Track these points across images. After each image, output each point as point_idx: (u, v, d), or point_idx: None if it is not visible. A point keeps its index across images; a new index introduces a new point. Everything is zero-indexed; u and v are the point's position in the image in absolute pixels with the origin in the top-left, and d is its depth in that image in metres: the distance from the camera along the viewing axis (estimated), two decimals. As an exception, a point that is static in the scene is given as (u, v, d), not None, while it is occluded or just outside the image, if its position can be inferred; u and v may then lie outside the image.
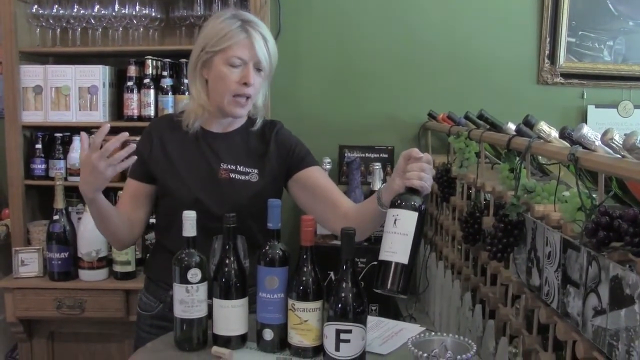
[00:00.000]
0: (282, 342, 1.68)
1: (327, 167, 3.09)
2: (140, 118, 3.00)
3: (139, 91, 3.01)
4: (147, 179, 1.99)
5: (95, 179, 1.72)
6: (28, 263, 2.97)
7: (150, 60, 3.01)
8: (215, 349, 1.67)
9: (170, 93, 3.01)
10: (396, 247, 1.53)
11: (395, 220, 1.54)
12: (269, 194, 1.87)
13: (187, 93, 2.99)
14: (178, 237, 1.73)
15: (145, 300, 2.07)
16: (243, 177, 1.97)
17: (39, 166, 3.04)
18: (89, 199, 1.80)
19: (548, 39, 3.29)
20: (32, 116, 3.03)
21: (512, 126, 2.13)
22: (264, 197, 1.79)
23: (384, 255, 1.55)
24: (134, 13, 3.02)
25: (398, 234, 1.53)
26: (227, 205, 1.86)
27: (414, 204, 1.55)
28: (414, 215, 1.54)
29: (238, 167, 1.97)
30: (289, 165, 2.01)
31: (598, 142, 1.48)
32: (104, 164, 1.69)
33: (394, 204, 1.57)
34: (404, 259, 1.53)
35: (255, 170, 1.98)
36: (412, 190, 1.60)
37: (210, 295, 1.70)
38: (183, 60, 3.02)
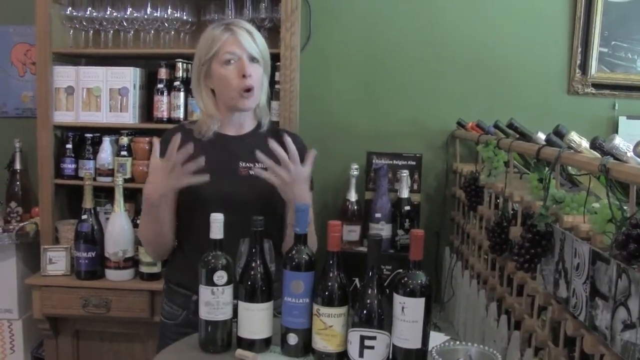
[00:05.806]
0: (306, 347, 1.68)
1: (355, 173, 3.08)
2: (170, 120, 3.02)
3: (169, 93, 3.03)
4: None
5: (164, 185, 1.84)
6: (56, 261, 3.01)
7: (180, 63, 3.03)
8: (239, 351, 1.68)
9: (199, 96, 3.01)
10: (407, 335, 1.56)
11: (403, 308, 1.55)
12: None
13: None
14: (199, 238, 1.73)
15: (168, 309, 2.09)
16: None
17: (68, 166, 3.07)
18: (151, 203, 1.89)
19: (580, 49, 3.26)
20: (63, 116, 3.06)
21: (542, 136, 2.11)
22: None
23: (397, 341, 1.58)
24: (165, 16, 3.04)
25: (407, 322, 1.55)
26: (251, 193, 1.98)
27: (421, 289, 1.54)
28: (421, 301, 1.54)
29: (256, 164, 2.01)
30: None
31: (630, 153, 1.47)
32: (173, 174, 1.81)
33: (398, 288, 1.56)
34: (417, 345, 1.56)
35: None
36: (416, 265, 1.57)
37: (235, 298, 1.71)
38: (213, 63, 3.03)
